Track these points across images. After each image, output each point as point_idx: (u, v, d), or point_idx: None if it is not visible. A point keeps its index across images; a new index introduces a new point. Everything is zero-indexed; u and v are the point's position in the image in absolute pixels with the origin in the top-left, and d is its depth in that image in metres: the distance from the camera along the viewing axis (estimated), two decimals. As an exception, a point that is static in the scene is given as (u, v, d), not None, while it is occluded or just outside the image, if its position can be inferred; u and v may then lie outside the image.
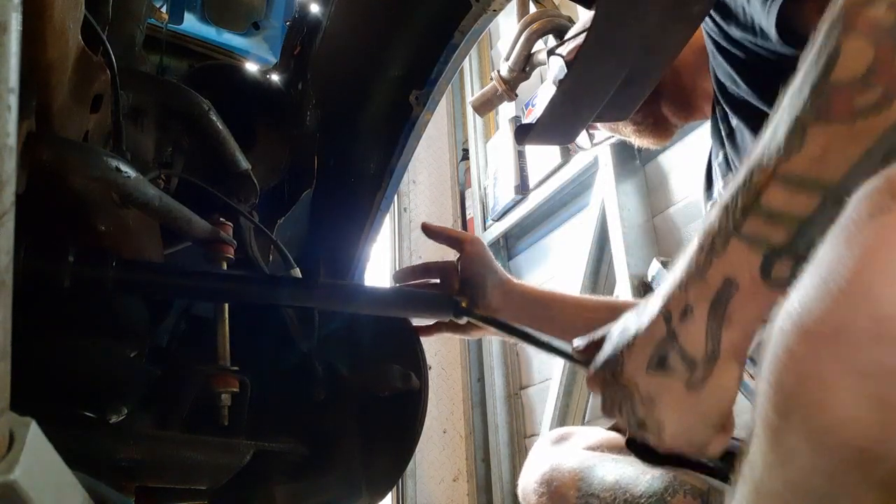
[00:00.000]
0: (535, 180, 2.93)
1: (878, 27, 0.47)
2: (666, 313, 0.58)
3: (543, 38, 2.21)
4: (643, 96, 0.62)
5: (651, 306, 0.61)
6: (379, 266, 3.54)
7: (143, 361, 0.89)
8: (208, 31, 1.63)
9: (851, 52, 0.48)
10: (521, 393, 3.02)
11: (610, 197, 2.38)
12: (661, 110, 1.11)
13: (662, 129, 1.14)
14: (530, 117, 3.06)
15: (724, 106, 0.95)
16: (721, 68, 0.90)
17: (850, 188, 0.48)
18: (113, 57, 0.72)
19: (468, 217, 3.66)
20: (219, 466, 0.87)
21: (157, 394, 0.91)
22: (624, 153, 2.44)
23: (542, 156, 2.90)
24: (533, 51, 2.19)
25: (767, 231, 0.53)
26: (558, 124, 0.64)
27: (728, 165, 1.03)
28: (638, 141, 1.17)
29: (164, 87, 1.01)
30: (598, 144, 1.28)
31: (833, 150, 0.50)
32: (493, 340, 3.12)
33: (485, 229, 3.39)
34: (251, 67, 1.51)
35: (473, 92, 3.72)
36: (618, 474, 0.91)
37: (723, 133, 1.01)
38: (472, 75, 3.84)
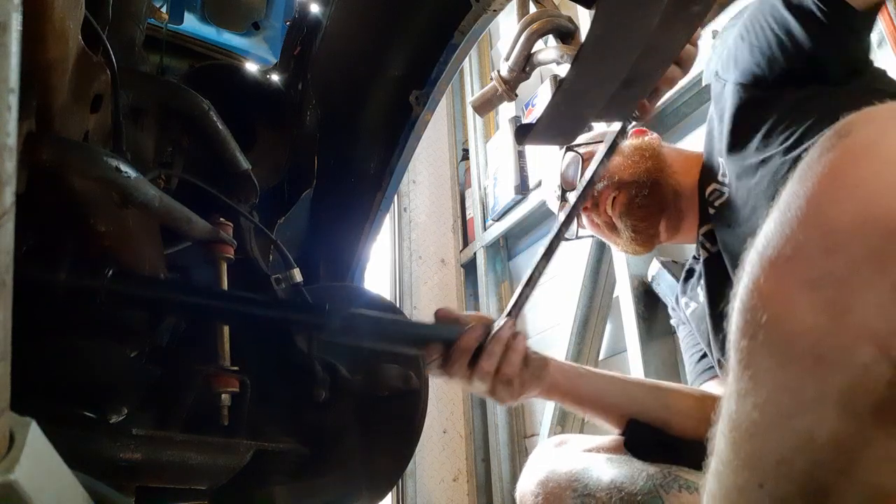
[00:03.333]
0: (535, 180, 2.92)
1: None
2: None
3: (543, 38, 2.20)
4: (643, 97, 0.62)
5: None
6: (379, 266, 3.54)
7: (143, 361, 0.89)
8: (208, 31, 1.62)
9: None
10: (521, 393, 3.02)
11: (610, 197, 2.38)
12: (659, 225, 1.20)
13: (654, 241, 1.23)
14: (530, 117, 3.06)
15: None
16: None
17: None
18: (113, 57, 0.72)
19: (468, 217, 3.66)
20: (219, 466, 0.87)
21: (157, 394, 0.90)
22: (624, 153, 2.43)
23: (542, 156, 2.90)
24: (533, 51, 2.19)
25: None
26: (558, 124, 0.64)
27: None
28: (625, 248, 1.24)
29: (164, 87, 1.01)
30: (582, 238, 1.33)
31: None
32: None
33: (485, 229, 3.39)
34: (251, 67, 1.51)
35: (473, 92, 3.71)
36: (613, 474, 0.91)
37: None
38: (472, 75, 3.84)
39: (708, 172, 1.11)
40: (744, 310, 0.43)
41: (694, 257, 1.24)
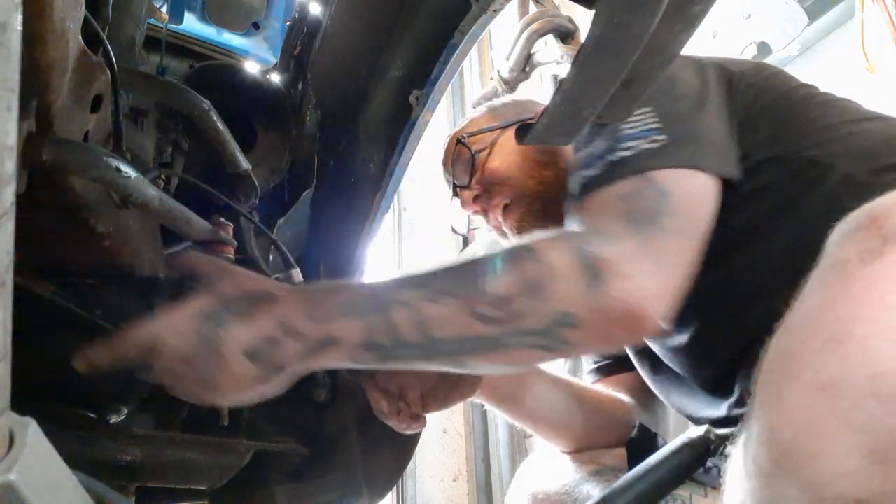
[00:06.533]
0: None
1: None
2: (284, 322, 0.66)
3: (543, 38, 2.20)
4: (643, 96, 0.62)
5: (280, 304, 0.67)
6: (379, 266, 3.54)
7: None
8: (208, 31, 1.63)
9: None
10: (521, 393, 3.02)
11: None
12: None
13: None
14: (530, 117, 3.05)
15: None
16: None
17: (448, 351, 0.65)
18: (113, 57, 0.72)
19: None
20: (219, 467, 0.87)
21: (157, 394, 0.90)
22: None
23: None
24: (533, 51, 2.19)
25: (380, 334, 0.65)
26: (558, 124, 0.64)
27: None
28: None
29: (164, 87, 1.01)
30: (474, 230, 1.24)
31: (457, 323, 0.64)
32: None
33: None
34: (251, 67, 1.51)
35: (473, 92, 3.71)
36: (604, 488, 0.91)
37: None
38: (472, 75, 3.84)
39: None
40: (769, 429, 0.39)
41: None
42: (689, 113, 0.81)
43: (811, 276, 0.41)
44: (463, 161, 1.13)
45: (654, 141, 0.77)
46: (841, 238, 0.41)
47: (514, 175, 1.06)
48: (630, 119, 0.80)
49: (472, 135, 1.14)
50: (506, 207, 1.08)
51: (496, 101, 1.28)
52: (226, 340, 0.64)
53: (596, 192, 0.75)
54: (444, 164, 1.22)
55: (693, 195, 0.74)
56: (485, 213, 1.12)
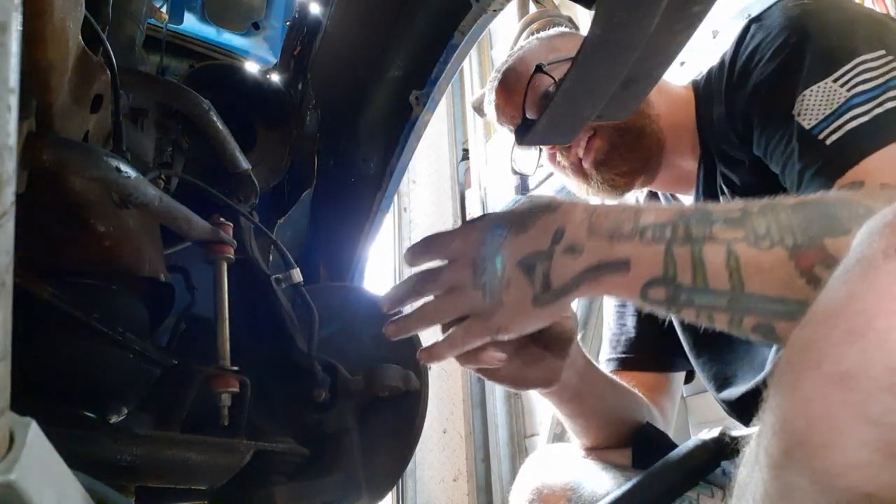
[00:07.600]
0: (535, 180, 2.93)
1: None
2: (558, 233, 0.61)
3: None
4: (644, 96, 0.62)
5: (558, 213, 0.63)
6: (379, 266, 3.54)
7: (143, 362, 0.89)
8: (208, 31, 1.63)
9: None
10: (521, 393, 3.02)
11: (610, 197, 2.38)
12: (637, 180, 1.07)
13: (626, 191, 1.09)
14: (530, 117, 3.04)
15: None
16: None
17: (757, 310, 0.54)
18: (113, 57, 0.72)
19: (468, 217, 3.66)
20: (219, 466, 0.87)
21: (157, 394, 0.90)
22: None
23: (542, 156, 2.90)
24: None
25: (683, 270, 0.56)
26: (558, 124, 0.64)
27: None
28: (593, 193, 1.09)
29: (164, 87, 1.01)
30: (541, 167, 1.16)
31: (779, 279, 0.53)
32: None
33: (485, 229, 3.39)
34: (251, 67, 1.51)
35: (473, 92, 3.71)
36: (609, 486, 0.91)
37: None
38: (472, 75, 3.84)
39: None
40: (783, 420, 0.40)
41: None
42: None
43: (836, 270, 0.41)
44: (541, 93, 1.03)
45: None
46: (868, 233, 0.41)
47: None
48: (865, 59, 0.75)
49: (552, 63, 1.03)
50: (588, 142, 1.03)
51: (544, 35, 1.19)
52: (502, 252, 0.63)
53: (876, 155, 0.70)
54: (508, 99, 1.11)
55: None
56: (566, 148, 1.06)
